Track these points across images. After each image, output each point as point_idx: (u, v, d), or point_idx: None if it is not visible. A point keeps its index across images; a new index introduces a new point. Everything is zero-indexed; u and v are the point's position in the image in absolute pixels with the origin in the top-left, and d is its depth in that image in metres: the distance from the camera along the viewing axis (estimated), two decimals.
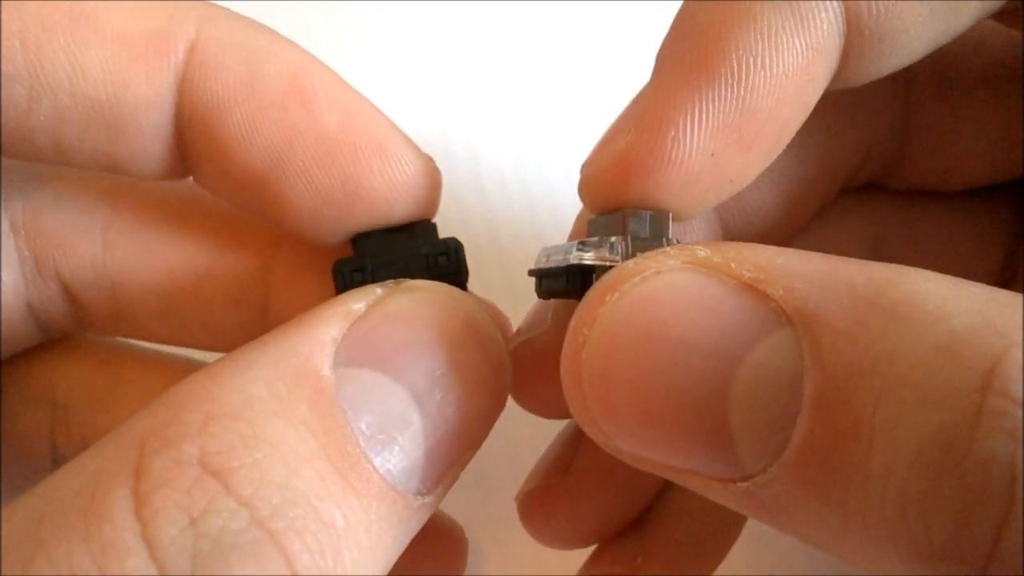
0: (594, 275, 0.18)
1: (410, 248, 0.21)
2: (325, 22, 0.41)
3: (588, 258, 0.19)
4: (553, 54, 0.41)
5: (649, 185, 0.19)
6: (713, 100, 0.18)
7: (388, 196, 0.20)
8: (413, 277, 0.20)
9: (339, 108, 0.20)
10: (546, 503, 0.26)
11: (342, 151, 0.20)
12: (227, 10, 0.21)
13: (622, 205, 0.19)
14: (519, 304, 0.25)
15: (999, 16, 0.21)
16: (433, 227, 0.22)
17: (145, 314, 0.24)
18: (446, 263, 0.21)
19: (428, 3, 0.42)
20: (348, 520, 0.16)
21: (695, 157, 0.18)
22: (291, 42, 0.21)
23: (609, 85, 0.39)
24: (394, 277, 0.20)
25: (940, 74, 0.24)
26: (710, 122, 0.18)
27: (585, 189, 0.20)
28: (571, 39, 0.41)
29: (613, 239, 0.19)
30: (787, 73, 0.18)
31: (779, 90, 0.18)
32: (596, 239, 0.19)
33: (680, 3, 0.20)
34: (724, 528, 0.26)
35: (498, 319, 0.21)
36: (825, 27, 0.18)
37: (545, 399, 0.24)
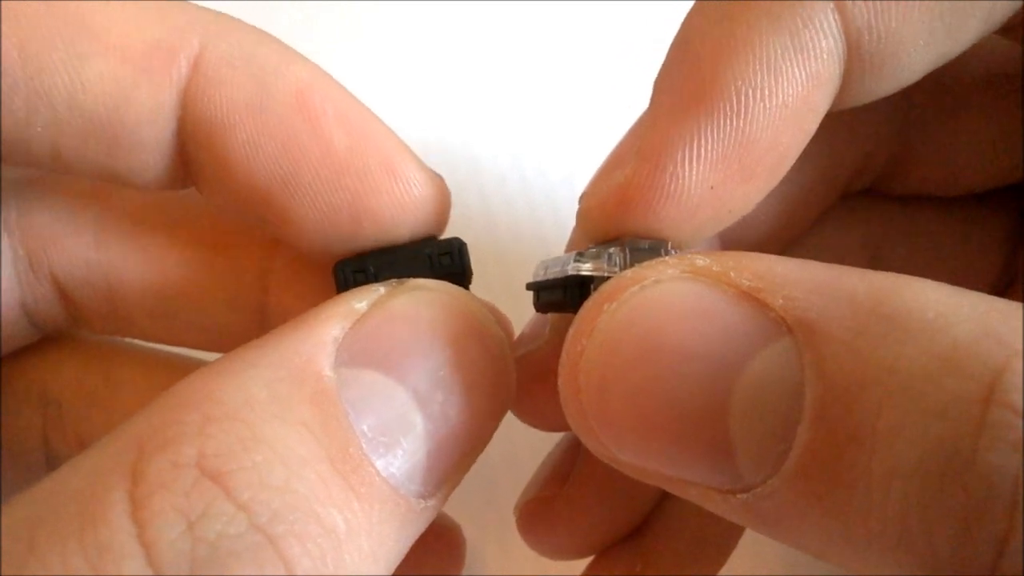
0: (592, 286, 0.18)
1: (413, 248, 0.21)
2: (324, 22, 0.41)
3: (586, 269, 0.19)
4: (552, 54, 0.41)
5: (648, 217, 0.18)
6: (712, 133, 0.18)
7: (396, 218, 0.20)
8: (416, 277, 0.20)
9: (347, 126, 0.20)
10: (544, 514, 0.25)
11: (350, 171, 0.20)
12: (234, 20, 0.20)
13: (621, 235, 0.19)
14: (519, 305, 0.24)
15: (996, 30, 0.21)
16: None
17: (140, 313, 0.24)
18: (449, 263, 0.21)
19: (427, 3, 0.41)
20: (349, 524, 0.16)
21: (694, 190, 0.18)
22: (299, 56, 0.20)
23: (608, 85, 0.39)
24: (397, 277, 0.20)
25: (939, 81, 0.24)
26: (709, 155, 0.18)
27: (584, 220, 0.20)
28: (570, 39, 0.41)
29: (611, 250, 0.19)
30: (787, 103, 0.17)
31: (779, 120, 0.18)
32: (594, 250, 0.19)
33: (678, 3, 0.19)
34: (722, 537, 0.26)
35: (501, 321, 0.21)
36: (825, 55, 0.17)
37: (543, 412, 0.24)
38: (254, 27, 0.21)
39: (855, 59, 0.18)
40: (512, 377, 0.20)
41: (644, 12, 0.41)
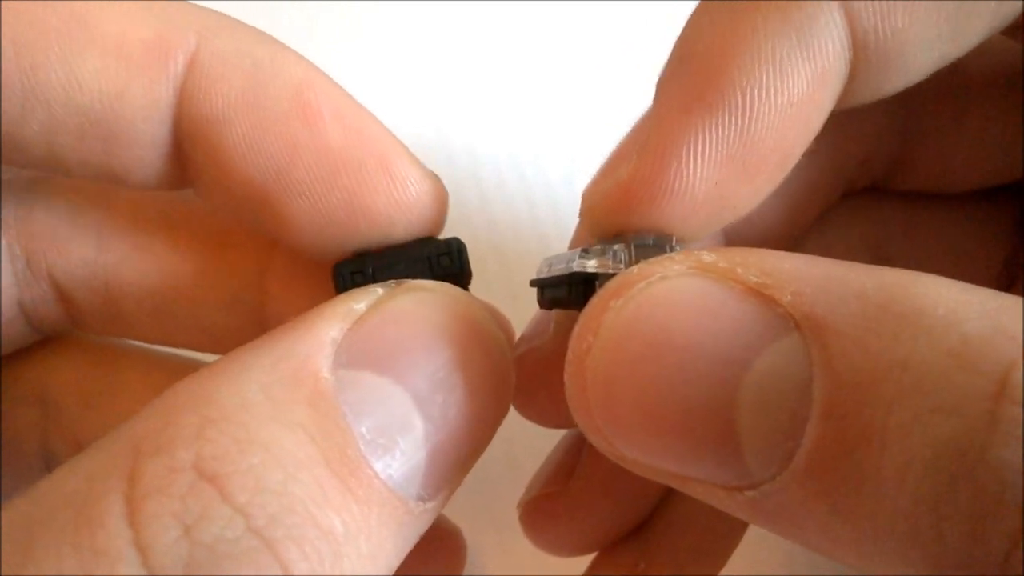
0: (597, 283, 0.18)
1: (412, 249, 0.20)
2: (324, 22, 0.41)
3: (591, 266, 0.18)
4: (552, 54, 0.41)
5: (652, 214, 0.18)
6: (716, 130, 0.18)
7: (392, 216, 0.20)
8: (415, 278, 0.19)
9: (344, 124, 0.20)
10: (548, 510, 0.25)
11: (346, 169, 0.19)
12: (230, 19, 0.20)
13: (625, 231, 0.19)
14: (520, 306, 0.24)
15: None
16: None
17: (139, 314, 0.24)
18: (448, 264, 0.20)
19: (427, 3, 0.41)
20: (347, 527, 0.15)
21: (698, 187, 0.18)
22: (296, 54, 0.20)
23: (608, 85, 0.39)
24: (396, 278, 0.20)
25: (942, 78, 0.24)
26: (713, 152, 0.18)
27: (587, 216, 0.20)
28: (570, 39, 0.41)
29: (616, 247, 0.19)
30: (792, 101, 0.17)
31: (785, 119, 0.17)
32: (599, 247, 0.19)
33: (679, 3, 0.19)
34: (726, 533, 0.26)
35: (500, 322, 0.21)
36: (831, 52, 0.17)
37: (547, 409, 0.23)
38: (251, 26, 0.21)
39: (861, 58, 0.18)
40: (512, 378, 0.20)
41: (644, 12, 0.41)
